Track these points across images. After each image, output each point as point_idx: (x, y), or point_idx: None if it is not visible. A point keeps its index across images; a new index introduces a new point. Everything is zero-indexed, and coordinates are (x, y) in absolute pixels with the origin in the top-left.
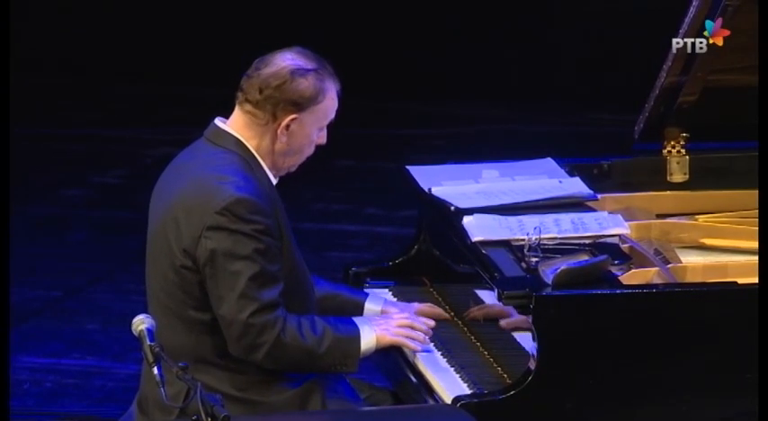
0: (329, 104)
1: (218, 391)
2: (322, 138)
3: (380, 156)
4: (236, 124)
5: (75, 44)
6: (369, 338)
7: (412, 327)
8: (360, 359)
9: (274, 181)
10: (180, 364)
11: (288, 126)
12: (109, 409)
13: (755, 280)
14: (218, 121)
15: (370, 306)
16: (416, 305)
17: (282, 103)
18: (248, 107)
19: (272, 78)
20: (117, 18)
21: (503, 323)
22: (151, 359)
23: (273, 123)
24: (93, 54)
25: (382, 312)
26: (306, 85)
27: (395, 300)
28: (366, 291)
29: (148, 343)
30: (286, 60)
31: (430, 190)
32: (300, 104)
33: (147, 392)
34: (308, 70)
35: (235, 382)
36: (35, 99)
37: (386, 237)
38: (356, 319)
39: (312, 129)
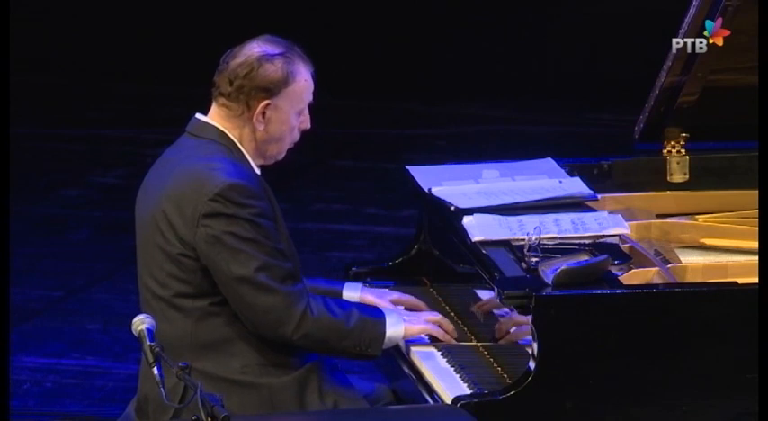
0: (302, 86)
1: (215, 376)
2: (305, 122)
3: (380, 156)
4: (215, 118)
5: (74, 44)
6: (396, 326)
7: (440, 324)
8: (384, 345)
9: (257, 171)
10: (180, 364)
11: (264, 114)
12: (109, 409)
13: (755, 280)
14: (199, 116)
15: (348, 294)
16: (396, 294)
17: (253, 91)
18: (222, 100)
19: (240, 68)
20: (117, 18)
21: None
22: (151, 359)
23: (249, 113)
24: (93, 54)
25: (361, 299)
26: (274, 69)
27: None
28: (344, 281)
29: (148, 343)
30: (253, 49)
31: (430, 190)
32: (271, 90)
33: (146, 392)
34: (275, 55)
35: (233, 366)
36: (35, 99)
37: (386, 237)
38: (383, 308)
39: (289, 113)
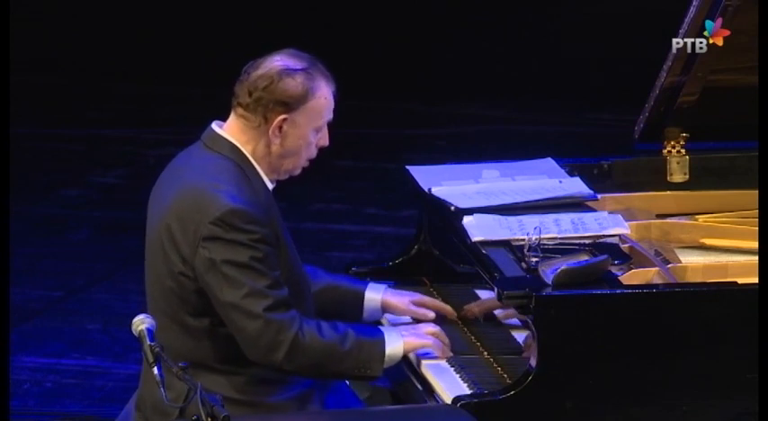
0: (322, 103)
1: (216, 394)
2: (323, 139)
3: (380, 156)
4: (231, 129)
5: (74, 44)
6: (395, 344)
7: (438, 336)
8: (385, 364)
9: (270, 186)
10: (180, 364)
11: (280, 127)
12: (109, 409)
13: (755, 280)
14: (215, 125)
15: (370, 295)
16: (418, 295)
17: (272, 104)
18: (240, 111)
19: (260, 80)
20: (117, 18)
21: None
22: (151, 359)
23: (266, 125)
24: (93, 54)
25: (383, 301)
26: (294, 84)
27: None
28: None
29: (148, 343)
30: (275, 62)
31: (430, 190)
32: (289, 104)
33: (144, 394)
34: (297, 70)
35: (234, 385)
36: (35, 99)
37: (386, 237)
38: (381, 327)
39: (306, 129)
